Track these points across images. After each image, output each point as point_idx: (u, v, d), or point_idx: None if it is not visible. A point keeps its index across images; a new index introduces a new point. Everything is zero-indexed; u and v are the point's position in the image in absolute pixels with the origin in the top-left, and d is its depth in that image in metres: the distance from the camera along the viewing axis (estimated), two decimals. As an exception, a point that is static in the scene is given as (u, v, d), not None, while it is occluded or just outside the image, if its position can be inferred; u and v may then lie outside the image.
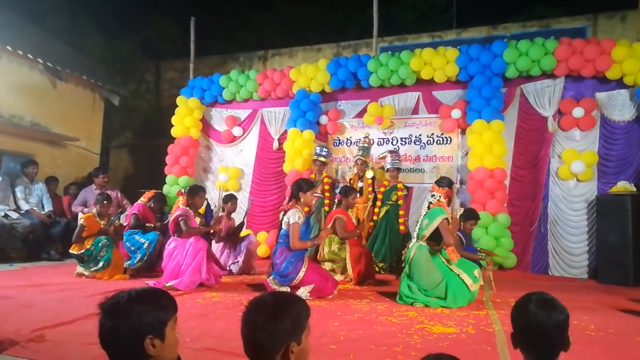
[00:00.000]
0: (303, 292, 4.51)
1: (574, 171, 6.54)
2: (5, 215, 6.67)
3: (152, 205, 6.40)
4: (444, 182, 4.76)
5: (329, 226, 5.78)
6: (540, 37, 6.89)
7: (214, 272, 5.18)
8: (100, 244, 5.48)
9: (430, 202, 4.62)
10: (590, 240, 6.43)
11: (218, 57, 11.18)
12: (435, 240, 4.45)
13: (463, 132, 7.22)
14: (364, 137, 7.34)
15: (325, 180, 7.12)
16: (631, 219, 5.84)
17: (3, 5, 8.08)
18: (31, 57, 7.72)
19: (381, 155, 7.31)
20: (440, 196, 4.59)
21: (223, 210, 6.52)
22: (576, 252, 6.52)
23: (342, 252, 5.67)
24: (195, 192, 5.38)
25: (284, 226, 4.73)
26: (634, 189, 6.09)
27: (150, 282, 5.02)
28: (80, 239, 5.52)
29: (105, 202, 5.76)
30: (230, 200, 6.58)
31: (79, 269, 5.55)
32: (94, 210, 5.80)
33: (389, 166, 6.87)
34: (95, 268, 5.45)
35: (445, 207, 4.53)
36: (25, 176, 7.26)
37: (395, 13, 13.51)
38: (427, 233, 4.42)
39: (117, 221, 5.83)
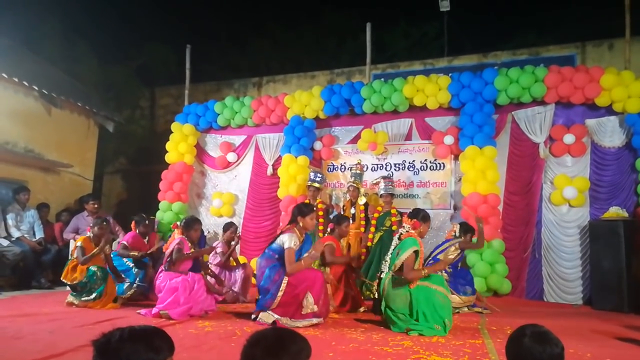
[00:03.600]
0: (309, 303, 4.45)
1: (566, 197, 6.59)
2: (-4, 243, 6.59)
3: (140, 229, 6.30)
4: (413, 214, 4.77)
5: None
6: (530, 64, 7.03)
7: (209, 301, 5.10)
8: (95, 277, 5.31)
9: (401, 233, 4.65)
10: (584, 266, 6.44)
11: (213, 83, 11.30)
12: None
13: (456, 158, 7.28)
14: (356, 164, 7.40)
15: (320, 206, 7.13)
16: (624, 245, 5.86)
17: (-1, 32, 8.16)
18: (26, 84, 7.75)
19: (375, 181, 7.35)
20: (409, 227, 4.62)
21: (231, 243, 6.41)
22: (570, 278, 6.52)
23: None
24: (191, 226, 5.30)
25: (277, 242, 4.66)
26: (626, 214, 6.13)
27: (142, 312, 4.95)
28: (85, 260, 5.34)
29: (104, 223, 5.69)
30: (229, 228, 6.49)
31: (70, 298, 5.42)
32: (89, 234, 5.71)
33: (382, 192, 6.91)
34: (87, 298, 5.32)
35: (417, 237, 4.55)
36: (17, 203, 7.20)
37: (388, 41, 13.76)
38: (399, 263, 4.42)
39: (107, 248, 5.75)
